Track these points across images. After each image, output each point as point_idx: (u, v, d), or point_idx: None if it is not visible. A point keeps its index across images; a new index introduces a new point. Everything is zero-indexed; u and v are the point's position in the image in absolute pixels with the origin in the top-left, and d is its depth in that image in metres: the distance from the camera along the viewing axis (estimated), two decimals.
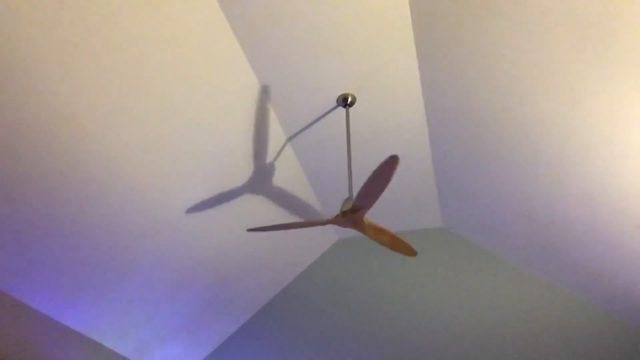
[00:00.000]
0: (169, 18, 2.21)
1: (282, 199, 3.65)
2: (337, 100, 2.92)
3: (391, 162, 2.06)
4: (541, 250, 3.63)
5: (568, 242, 3.29)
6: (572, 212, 3.01)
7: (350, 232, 4.52)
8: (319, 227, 4.27)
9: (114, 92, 2.32)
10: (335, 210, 4.03)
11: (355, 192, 3.80)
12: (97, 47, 2.12)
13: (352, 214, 2.52)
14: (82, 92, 2.23)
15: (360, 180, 3.66)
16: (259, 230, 2.75)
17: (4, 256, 2.62)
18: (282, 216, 3.81)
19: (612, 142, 2.34)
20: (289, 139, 3.27)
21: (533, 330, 3.87)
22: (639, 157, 2.32)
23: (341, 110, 3.02)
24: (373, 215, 3.97)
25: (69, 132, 2.32)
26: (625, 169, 2.43)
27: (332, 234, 4.52)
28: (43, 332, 3.07)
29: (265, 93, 2.86)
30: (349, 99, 2.88)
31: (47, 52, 2.01)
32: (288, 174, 3.51)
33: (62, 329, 3.21)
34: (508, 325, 3.93)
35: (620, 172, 2.47)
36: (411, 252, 2.96)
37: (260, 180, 3.38)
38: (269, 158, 3.28)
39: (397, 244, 2.88)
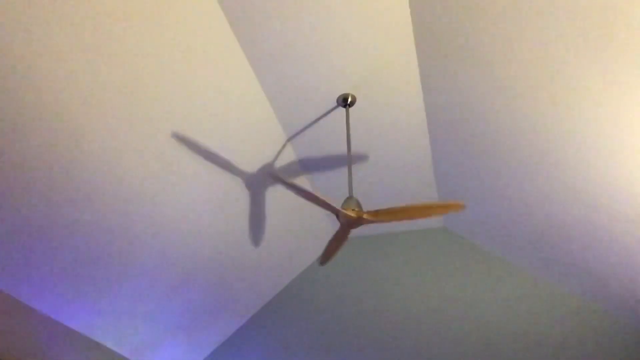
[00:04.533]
0: (169, 18, 2.21)
1: (282, 199, 3.65)
2: (337, 100, 2.92)
3: (451, 207, 2.08)
4: (541, 251, 3.63)
5: (568, 242, 3.29)
6: (572, 212, 3.01)
7: (351, 232, 4.52)
8: (319, 227, 4.27)
9: (114, 92, 2.32)
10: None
11: (355, 192, 3.80)
12: (96, 48, 2.12)
13: (373, 218, 2.53)
14: (82, 93, 2.23)
15: (360, 180, 3.67)
16: (279, 180, 2.57)
17: (4, 256, 2.62)
18: (282, 216, 3.81)
19: (612, 141, 2.34)
20: (289, 139, 3.27)
21: (533, 330, 3.87)
22: (638, 156, 2.32)
23: (341, 110, 3.02)
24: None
25: (68, 132, 2.32)
26: (626, 168, 2.43)
27: (332, 234, 4.52)
28: (43, 332, 3.07)
29: (265, 93, 2.86)
30: (349, 99, 2.88)
31: (46, 53, 2.01)
32: (288, 174, 3.51)
33: (62, 329, 3.21)
34: (508, 325, 3.93)
35: (621, 172, 2.47)
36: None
37: (261, 180, 3.38)
38: (269, 158, 3.28)
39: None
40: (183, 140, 2.64)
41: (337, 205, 3.93)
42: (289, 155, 3.39)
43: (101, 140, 2.46)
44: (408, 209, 2.51)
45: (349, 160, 2.79)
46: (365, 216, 2.56)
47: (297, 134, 3.21)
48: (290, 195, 3.70)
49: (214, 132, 2.87)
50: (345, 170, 3.57)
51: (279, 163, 3.37)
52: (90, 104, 2.29)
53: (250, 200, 3.47)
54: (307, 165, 3.55)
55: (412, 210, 2.51)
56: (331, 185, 3.76)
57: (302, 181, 3.68)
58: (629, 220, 2.73)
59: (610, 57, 1.97)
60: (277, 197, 3.60)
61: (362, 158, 3.41)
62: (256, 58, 2.61)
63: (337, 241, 2.95)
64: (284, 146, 3.29)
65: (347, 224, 2.65)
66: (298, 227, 4.05)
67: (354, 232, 4.49)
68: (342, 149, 3.35)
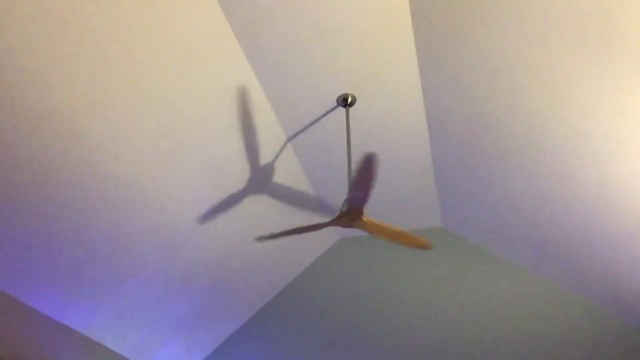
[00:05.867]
0: (170, 19, 2.21)
1: (282, 199, 3.65)
2: (337, 100, 2.92)
3: (369, 160, 2.07)
4: (541, 250, 3.63)
5: (567, 242, 3.29)
6: (571, 212, 3.01)
7: (351, 232, 4.52)
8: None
9: (114, 93, 2.32)
10: (335, 210, 4.03)
11: None
12: (96, 48, 2.12)
13: (348, 215, 2.54)
14: (82, 94, 2.23)
15: None
16: (268, 239, 2.79)
17: (4, 256, 2.62)
18: (282, 216, 3.81)
19: (612, 141, 2.34)
20: (289, 139, 3.27)
21: (532, 329, 3.87)
22: (639, 156, 2.33)
23: (341, 110, 3.02)
24: (373, 214, 3.97)
25: (69, 133, 2.32)
26: (626, 168, 2.43)
27: (332, 234, 4.52)
28: (43, 332, 3.07)
29: (265, 93, 2.86)
30: (349, 99, 2.88)
31: (47, 53, 2.01)
32: (288, 174, 3.51)
33: (62, 329, 3.21)
34: (507, 325, 3.93)
35: (621, 171, 2.47)
36: (422, 245, 2.86)
37: (261, 180, 3.38)
38: (269, 158, 3.28)
39: (403, 239, 2.82)
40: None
41: (337, 205, 3.93)
42: (289, 155, 3.39)
43: (102, 142, 2.46)
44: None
45: (349, 160, 2.79)
46: (362, 218, 2.57)
47: (297, 134, 3.21)
48: (290, 195, 3.70)
49: (215, 133, 2.87)
50: (345, 170, 3.57)
51: (279, 163, 3.37)
52: (90, 105, 2.29)
53: (250, 200, 3.47)
54: (307, 166, 3.55)
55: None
56: (331, 186, 3.76)
57: (302, 181, 3.68)
58: (629, 220, 2.73)
59: (610, 57, 1.97)
60: (277, 196, 3.60)
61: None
62: (256, 58, 2.61)
63: (367, 230, 2.85)
64: (284, 146, 3.29)
65: (348, 226, 2.66)
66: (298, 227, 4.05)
67: (354, 232, 4.50)
68: (342, 148, 3.35)
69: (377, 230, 2.76)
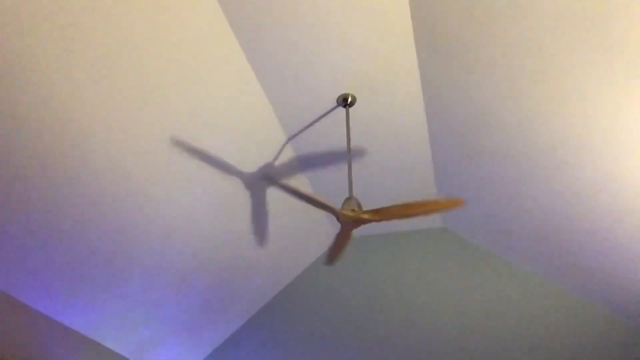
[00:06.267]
0: (169, 18, 2.21)
1: (282, 199, 3.65)
2: (337, 100, 2.92)
3: (451, 204, 2.04)
4: (541, 250, 3.63)
5: (568, 242, 3.29)
6: (572, 212, 3.01)
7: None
8: (319, 227, 4.27)
9: (114, 93, 2.32)
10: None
11: (355, 192, 3.80)
12: (97, 48, 2.12)
13: (365, 215, 2.52)
14: (82, 94, 2.23)
15: (360, 180, 3.67)
16: (275, 184, 2.60)
17: (4, 256, 2.62)
18: (282, 216, 3.81)
19: (611, 141, 2.34)
20: (289, 139, 3.27)
21: (533, 330, 3.87)
22: (638, 156, 2.33)
23: (341, 110, 3.02)
24: None
25: (68, 133, 2.32)
26: (625, 168, 2.43)
27: (332, 234, 4.52)
28: (43, 332, 3.07)
29: (265, 93, 2.86)
30: (349, 99, 2.88)
31: (47, 53, 2.01)
32: (288, 174, 3.51)
33: (62, 329, 3.21)
34: (508, 325, 3.93)
35: (620, 171, 2.47)
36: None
37: (260, 180, 3.38)
38: (269, 158, 3.28)
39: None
40: (183, 145, 2.59)
41: (337, 205, 3.93)
42: (289, 156, 3.39)
43: (103, 143, 2.46)
44: (407, 207, 2.42)
45: (349, 160, 2.79)
46: (363, 216, 2.55)
47: (297, 134, 3.21)
48: (290, 195, 3.70)
49: (215, 132, 2.87)
50: (345, 170, 3.57)
51: (279, 163, 3.37)
52: (91, 105, 2.29)
53: (251, 200, 3.47)
54: (307, 166, 3.55)
55: (412, 207, 2.42)
56: (331, 186, 3.76)
57: (302, 181, 3.68)
58: (629, 220, 2.73)
59: (610, 58, 1.97)
60: (277, 197, 3.60)
61: (361, 153, 3.39)
62: (256, 58, 2.61)
63: (340, 242, 2.95)
64: (284, 146, 3.29)
65: (347, 225, 2.65)
66: (298, 227, 4.05)
67: (354, 232, 4.49)
68: (342, 149, 3.35)
69: (340, 243, 2.92)
